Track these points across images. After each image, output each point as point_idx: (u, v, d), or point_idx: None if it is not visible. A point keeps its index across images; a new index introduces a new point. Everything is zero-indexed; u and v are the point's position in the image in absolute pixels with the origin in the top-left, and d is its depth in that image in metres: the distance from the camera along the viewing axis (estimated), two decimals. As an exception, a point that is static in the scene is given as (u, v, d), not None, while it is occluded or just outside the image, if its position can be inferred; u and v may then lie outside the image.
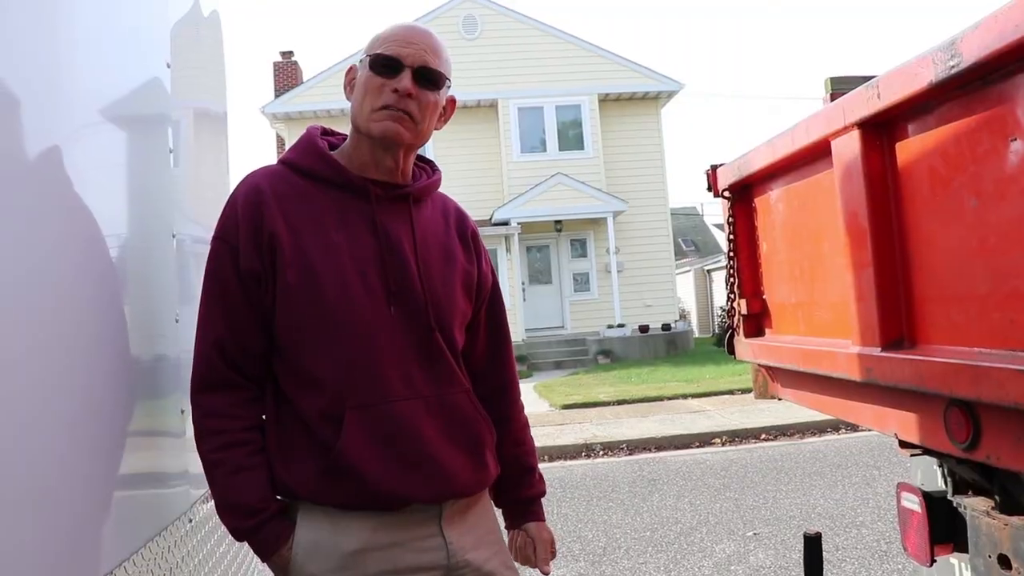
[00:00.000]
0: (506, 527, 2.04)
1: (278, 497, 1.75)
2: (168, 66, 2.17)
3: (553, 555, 2.05)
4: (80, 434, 1.50)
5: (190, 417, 2.08)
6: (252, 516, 1.69)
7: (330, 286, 1.70)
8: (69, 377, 1.46)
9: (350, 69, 1.86)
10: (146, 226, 1.99)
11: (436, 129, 1.87)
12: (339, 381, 1.70)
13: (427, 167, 1.97)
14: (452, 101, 1.90)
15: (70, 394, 1.46)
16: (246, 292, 1.72)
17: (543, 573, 2.01)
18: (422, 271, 1.79)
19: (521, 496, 2.03)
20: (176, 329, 2.11)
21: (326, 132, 1.93)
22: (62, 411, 1.42)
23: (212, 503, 2.27)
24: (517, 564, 1.97)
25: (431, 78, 1.77)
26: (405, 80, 1.73)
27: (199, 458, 1.75)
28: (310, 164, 1.80)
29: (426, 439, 1.74)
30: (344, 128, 1.90)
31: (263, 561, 1.75)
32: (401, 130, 1.74)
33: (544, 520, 2.04)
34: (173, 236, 2.13)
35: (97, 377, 1.59)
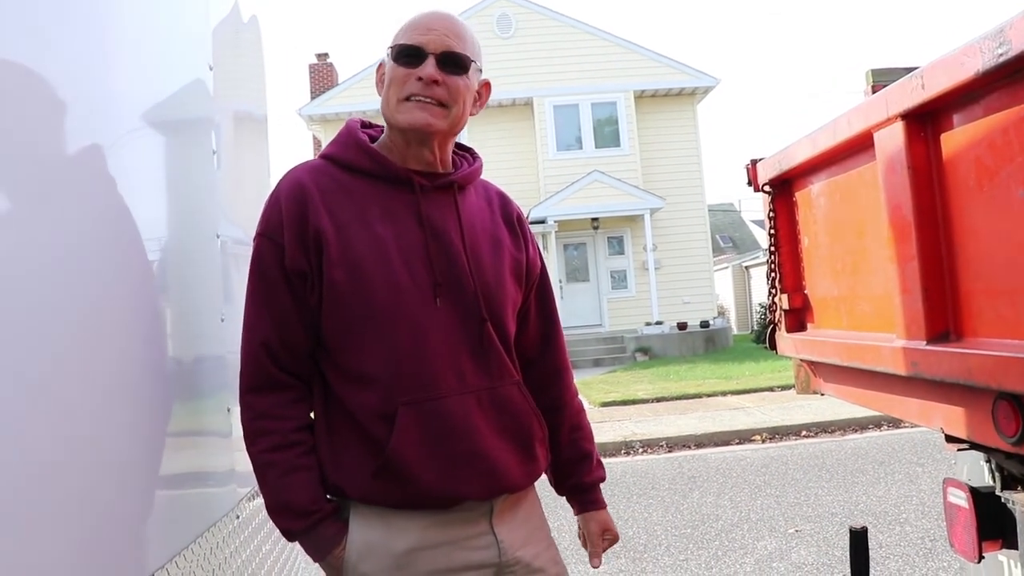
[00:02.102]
0: (574, 514, 2.03)
1: (329, 497, 1.74)
2: (210, 68, 2.20)
3: (611, 543, 2.02)
4: (128, 433, 1.52)
5: (236, 416, 2.12)
6: (305, 517, 1.68)
7: (378, 282, 1.67)
8: (116, 377, 1.49)
9: (380, 66, 1.81)
10: (191, 227, 2.02)
11: (472, 115, 1.84)
12: (390, 378, 1.67)
13: (467, 155, 1.94)
14: (487, 84, 1.87)
15: (117, 394, 1.48)
16: (293, 291, 1.70)
17: (591, 565, 2.00)
18: (471, 261, 1.76)
19: (581, 482, 1.99)
20: (221, 328, 2.14)
21: (365, 125, 1.90)
22: (110, 411, 1.44)
23: (259, 500, 2.30)
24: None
25: (456, 62, 1.73)
26: (429, 67, 1.69)
27: (248, 458, 1.75)
28: (352, 157, 1.77)
29: (478, 435, 1.72)
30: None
31: (316, 562, 1.74)
32: (429, 118, 1.71)
33: (604, 507, 2.01)
34: (217, 237, 2.16)
35: (143, 377, 1.62)
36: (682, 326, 21.14)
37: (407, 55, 1.71)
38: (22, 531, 1.13)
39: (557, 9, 22.89)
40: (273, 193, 1.76)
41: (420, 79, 1.69)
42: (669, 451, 9.34)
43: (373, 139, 1.84)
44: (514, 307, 1.87)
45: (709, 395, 12.94)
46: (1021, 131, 1.79)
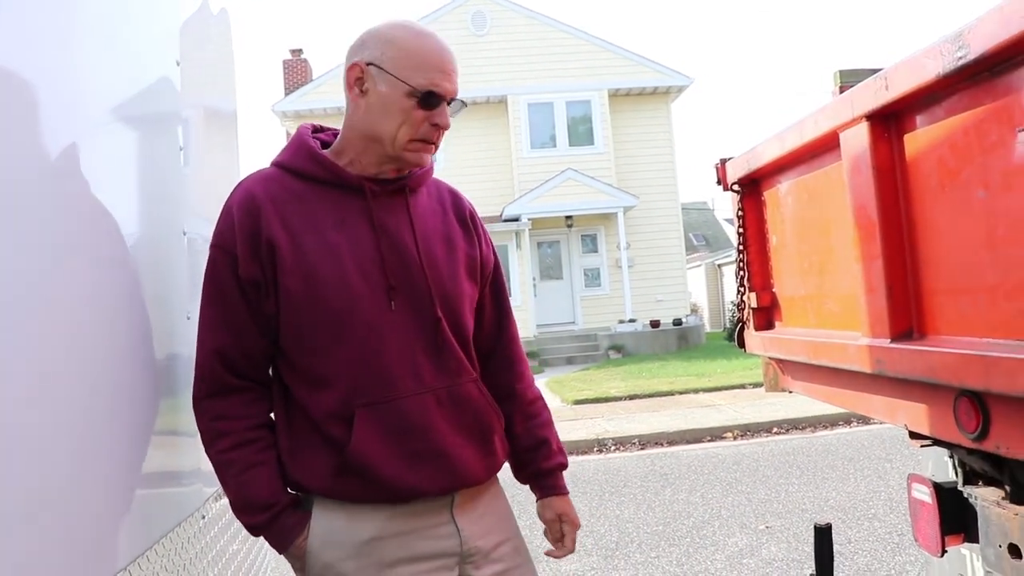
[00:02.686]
0: (536, 500, 2.03)
1: (290, 491, 1.77)
2: (178, 64, 2.18)
3: (572, 531, 2.01)
4: (93, 432, 1.51)
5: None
6: (266, 510, 1.71)
7: (332, 289, 1.70)
8: (81, 375, 1.47)
9: (356, 67, 1.78)
10: (157, 224, 2.00)
11: None
12: (347, 381, 1.71)
13: None
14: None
15: (82, 392, 1.47)
16: (247, 299, 1.73)
17: (553, 556, 2.03)
18: (425, 262, 1.78)
19: (539, 468, 2.00)
20: (188, 327, 2.12)
21: (316, 129, 1.93)
22: (75, 409, 1.43)
23: (224, 500, 2.29)
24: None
25: (454, 105, 1.78)
26: (445, 116, 1.75)
27: (212, 463, 1.77)
28: (303, 165, 1.79)
29: (436, 433, 1.75)
30: None
31: (280, 553, 1.76)
32: (427, 157, 1.80)
33: (565, 493, 2.01)
34: (184, 234, 2.14)
35: (109, 375, 1.60)
36: (655, 324, 21.22)
37: (431, 100, 1.72)
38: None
39: (532, 7, 22.91)
40: (226, 204, 1.78)
41: (436, 125, 1.74)
42: (642, 448, 9.37)
43: (325, 144, 1.87)
44: (471, 304, 1.90)
45: (681, 393, 13.01)
46: (981, 133, 1.81)
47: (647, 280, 22.34)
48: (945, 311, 2.03)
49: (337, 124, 1.92)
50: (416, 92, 1.71)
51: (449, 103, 1.76)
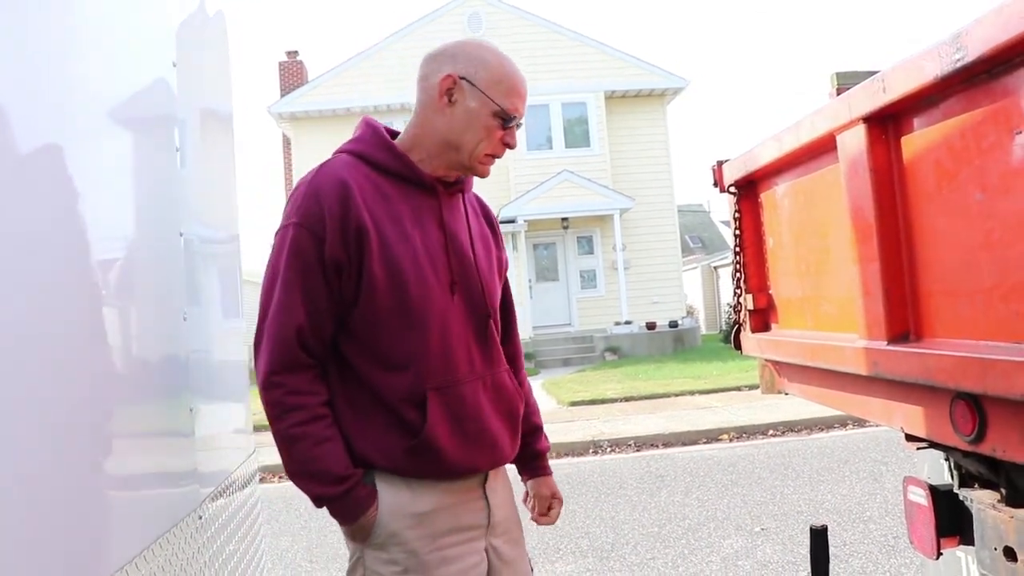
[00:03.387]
0: (522, 479, 2.25)
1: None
2: (174, 66, 2.18)
3: (559, 506, 2.25)
4: (90, 433, 1.51)
5: (199, 416, 2.10)
6: (341, 483, 1.80)
7: (411, 277, 1.83)
8: (77, 376, 1.47)
9: (447, 77, 1.87)
10: (153, 226, 2.00)
11: None
12: (419, 365, 1.84)
13: None
14: None
15: (79, 394, 1.47)
16: (327, 281, 1.81)
17: (538, 522, 2.25)
18: (477, 260, 1.97)
19: (533, 450, 2.20)
20: (184, 328, 2.12)
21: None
22: (71, 411, 1.43)
23: (221, 500, 2.29)
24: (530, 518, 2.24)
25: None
26: (515, 137, 1.94)
27: (274, 435, 1.81)
28: (384, 159, 1.91)
29: (485, 415, 1.93)
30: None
31: (348, 523, 1.84)
32: (489, 170, 1.98)
33: (551, 473, 2.25)
34: (181, 235, 2.14)
35: (105, 377, 1.60)
36: (651, 326, 21.22)
37: (510, 122, 1.90)
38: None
39: (528, 9, 22.92)
40: (309, 186, 1.84)
41: (507, 144, 1.93)
42: (637, 450, 9.38)
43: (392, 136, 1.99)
44: (499, 298, 2.09)
45: (677, 395, 13.01)
46: (978, 135, 1.81)
47: (643, 282, 22.34)
48: (942, 313, 2.03)
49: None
50: (502, 113, 1.88)
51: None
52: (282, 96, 23.43)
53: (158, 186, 2.06)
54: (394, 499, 1.84)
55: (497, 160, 1.99)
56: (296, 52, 26.16)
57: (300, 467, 1.81)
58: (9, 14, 1.32)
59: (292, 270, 1.80)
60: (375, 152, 1.91)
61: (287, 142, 24.94)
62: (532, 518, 2.24)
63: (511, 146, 1.94)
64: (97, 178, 1.63)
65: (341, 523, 1.86)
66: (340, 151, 1.95)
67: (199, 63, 2.56)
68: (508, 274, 2.20)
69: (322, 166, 1.89)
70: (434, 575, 1.84)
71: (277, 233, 1.85)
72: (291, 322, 1.80)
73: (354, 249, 1.79)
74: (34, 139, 1.38)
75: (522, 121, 1.94)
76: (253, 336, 1.89)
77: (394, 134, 2.00)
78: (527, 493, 2.25)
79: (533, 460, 2.22)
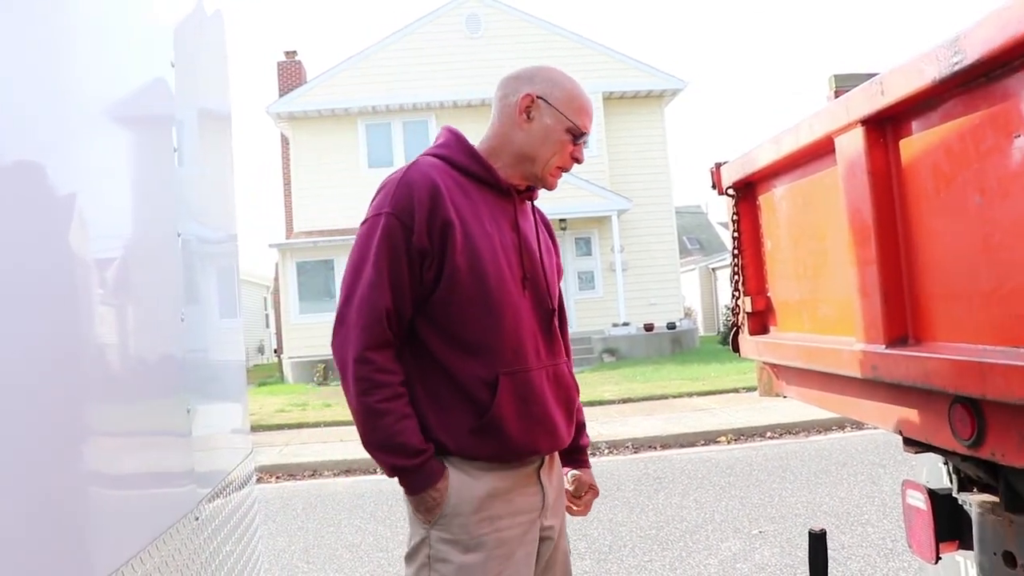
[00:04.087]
0: (568, 471, 2.37)
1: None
2: (172, 66, 2.18)
3: (594, 496, 2.40)
4: (86, 434, 1.50)
5: (196, 416, 2.09)
6: (417, 455, 1.94)
7: (490, 269, 1.99)
8: (74, 376, 1.47)
9: (529, 97, 2.09)
10: (151, 225, 2.00)
11: None
12: (493, 350, 1.99)
13: None
14: None
15: (75, 392, 1.46)
16: (411, 266, 1.97)
17: (576, 514, 2.37)
18: (544, 260, 2.16)
19: (577, 445, 2.34)
20: (182, 328, 2.11)
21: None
22: (68, 411, 1.43)
23: (218, 500, 2.28)
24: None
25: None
26: (583, 152, 2.14)
27: (357, 408, 1.93)
28: (468, 163, 2.09)
29: (547, 401, 2.07)
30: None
31: (419, 493, 1.95)
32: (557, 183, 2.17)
33: (590, 466, 2.42)
34: (178, 235, 2.13)
35: (102, 377, 1.60)
36: (649, 327, 21.21)
37: (578, 136, 2.11)
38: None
39: (526, 10, 22.91)
40: (402, 180, 2.00)
41: (575, 158, 2.13)
42: (635, 452, 9.37)
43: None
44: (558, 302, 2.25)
45: (675, 396, 13.01)
46: (977, 138, 1.81)
47: (641, 283, 22.34)
48: (940, 317, 2.03)
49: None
50: (574, 129, 2.10)
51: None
52: (280, 96, 23.42)
53: (156, 186, 2.05)
54: (459, 478, 1.98)
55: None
56: (295, 52, 26.15)
57: (382, 440, 1.94)
58: (6, 14, 1.31)
59: (382, 255, 1.96)
60: (460, 156, 2.09)
61: (285, 142, 24.93)
62: (567, 507, 2.33)
63: (579, 160, 2.14)
64: (95, 178, 1.62)
65: (411, 493, 1.97)
66: (426, 154, 2.12)
67: (197, 63, 2.55)
68: None
69: (412, 165, 2.05)
70: (492, 554, 1.96)
71: (365, 222, 2.01)
72: (380, 303, 1.95)
73: (438, 240, 1.95)
74: (31, 139, 1.38)
75: (589, 138, 2.15)
76: (335, 313, 2.03)
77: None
78: (565, 484, 2.36)
79: (576, 453, 2.36)
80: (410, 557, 2.01)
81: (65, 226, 1.49)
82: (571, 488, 2.34)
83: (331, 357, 2.09)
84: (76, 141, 1.56)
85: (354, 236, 2.07)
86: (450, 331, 2.00)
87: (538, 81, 2.12)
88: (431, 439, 1.98)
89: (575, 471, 2.36)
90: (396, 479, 1.98)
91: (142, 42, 2.02)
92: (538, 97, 2.10)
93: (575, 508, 2.36)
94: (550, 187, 2.17)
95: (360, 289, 1.97)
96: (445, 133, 2.18)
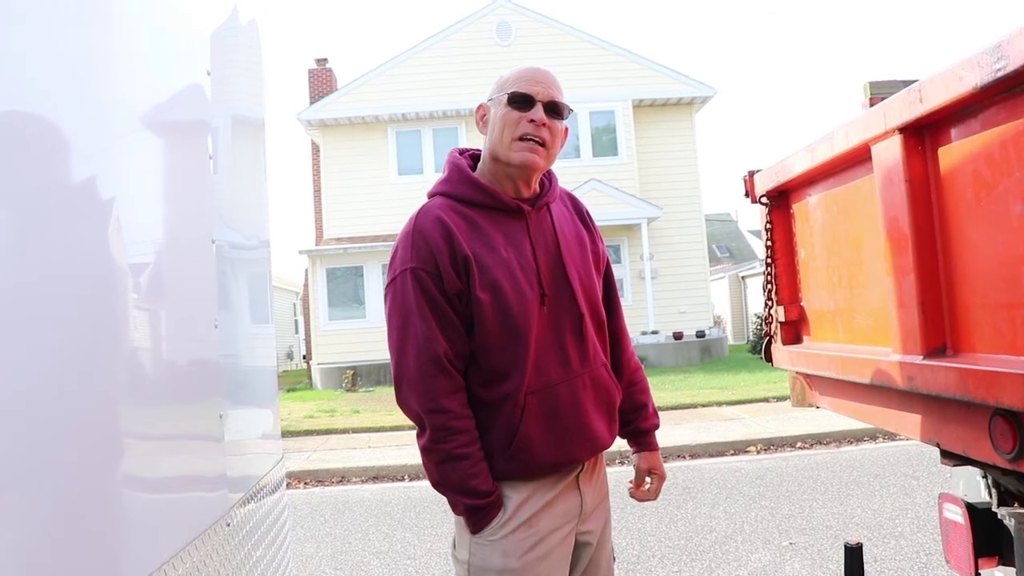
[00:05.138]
0: (632, 452, 2.42)
1: None
2: (208, 74, 2.19)
3: (659, 482, 2.40)
4: (121, 438, 1.51)
5: (228, 421, 2.10)
6: (486, 497, 2.00)
7: (511, 297, 2.00)
8: (109, 382, 1.47)
9: (479, 107, 2.17)
10: (186, 232, 2.01)
11: (557, 154, 2.16)
12: (520, 374, 2.00)
13: (544, 172, 2.22)
14: (566, 130, 2.18)
15: (110, 399, 1.47)
16: (454, 307, 2.00)
17: (635, 497, 2.39)
18: (569, 267, 2.11)
19: (638, 428, 2.37)
20: (216, 334, 2.12)
21: (460, 152, 2.22)
22: (103, 416, 1.43)
23: (250, 505, 2.29)
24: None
25: (558, 110, 2.09)
26: (539, 112, 2.05)
27: (433, 454, 1.99)
28: (469, 194, 2.08)
29: (581, 410, 2.07)
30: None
31: (475, 533, 2.03)
32: (537, 159, 2.06)
33: (656, 449, 2.41)
34: (213, 242, 2.15)
35: (137, 382, 1.61)
36: (678, 336, 21.11)
37: (520, 101, 2.06)
38: (13, 534, 1.12)
39: (557, 18, 22.92)
40: (415, 232, 2.03)
41: (532, 121, 2.04)
42: (664, 461, 9.30)
43: (470, 166, 2.17)
44: (599, 293, 2.24)
45: (704, 405, 12.92)
46: (1020, 146, 1.78)
47: (670, 292, 22.24)
48: (980, 327, 2.00)
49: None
50: (514, 96, 2.06)
51: (547, 108, 2.06)
52: (311, 103, 23.59)
53: (191, 193, 2.07)
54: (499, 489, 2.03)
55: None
56: (325, 60, 26.33)
57: (458, 482, 1.99)
58: (47, 23, 1.32)
59: (423, 305, 1.99)
60: (461, 189, 2.09)
61: (316, 149, 25.11)
62: (630, 492, 2.39)
63: (538, 121, 2.04)
64: (131, 184, 1.63)
65: (476, 529, 2.03)
66: (431, 193, 2.14)
67: (232, 71, 2.57)
68: None
69: (419, 212, 2.08)
70: (525, 559, 2.00)
71: (392, 283, 2.04)
72: (436, 350, 1.98)
73: (464, 277, 1.99)
74: (70, 146, 1.39)
75: (549, 100, 2.06)
76: (393, 374, 2.05)
77: (475, 157, 2.21)
78: (635, 461, 2.41)
79: (637, 436, 2.39)
80: (456, 559, 2.09)
81: (103, 232, 1.50)
82: (636, 476, 2.38)
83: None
84: (114, 149, 1.57)
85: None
86: (482, 362, 2.03)
87: (490, 92, 2.15)
88: None
89: (635, 454, 2.39)
90: (462, 515, 2.04)
91: (179, 51, 2.04)
92: (486, 102, 2.15)
93: (635, 492, 2.38)
94: (524, 164, 2.06)
95: (412, 342, 2.00)
96: (447, 164, 2.18)
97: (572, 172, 21.61)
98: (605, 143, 22.38)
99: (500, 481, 2.04)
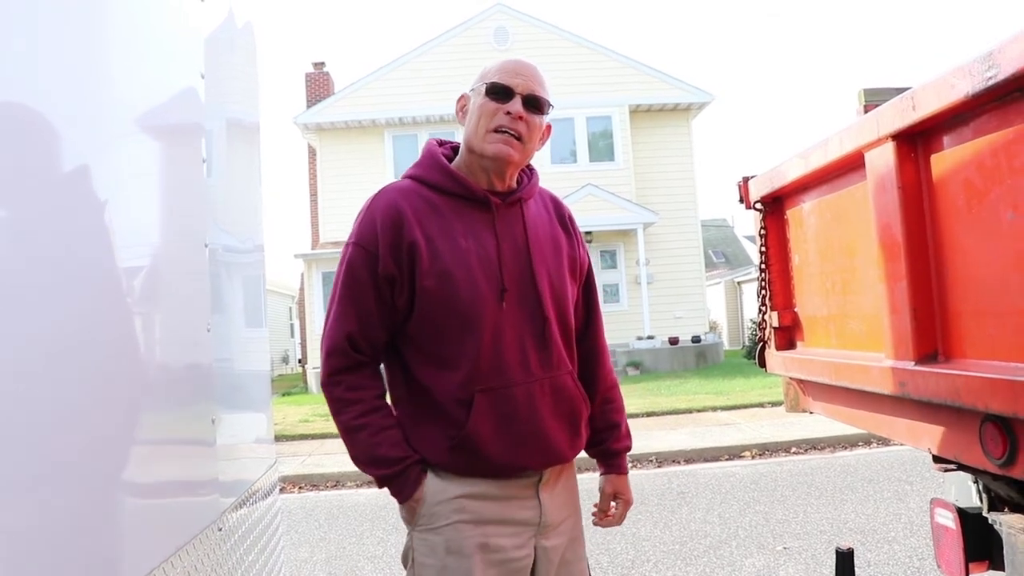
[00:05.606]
0: (600, 474, 2.32)
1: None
2: (202, 77, 2.19)
3: (624, 508, 2.29)
4: (111, 443, 1.51)
5: (221, 426, 2.11)
6: (398, 463, 1.96)
7: (463, 287, 1.94)
8: (100, 386, 1.47)
9: (461, 97, 2.13)
10: (179, 236, 2.01)
11: (537, 150, 2.11)
12: (469, 367, 1.95)
13: (525, 169, 2.18)
14: (549, 127, 2.13)
15: (101, 403, 1.47)
16: (379, 293, 1.97)
17: (598, 524, 2.29)
18: (536, 267, 2.04)
19: (608, 448, 2.28)
20: (208, 339, 2.12)
21: (440, 143, 2.18)
22: (93, 420, 1.43)
23: (243, 510, 2.29)
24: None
25: (538, 104, 2.04)
26: (517, 104, 2.00)
27: (339, 429, 2.00)
28: (438, 179, 2.05)
29: (538, 417, 2.00)
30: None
31: (401, 502, 2.00)
32: (512, 152, 2.01)
33: (624, 472, 2.30)
34: (206, 246, 2.15)
35: (129, 386, 1.60)
36: (674, 341, 21.12)
37: (499, 92, 2.01)
38: (4, 539, 1.11)
39: (554, 23, 22.95)
40: (368, 209, 2.02)
41: (508, 113, 2.00)
42: (659, 466, 9.32)
43: (448, 157, 2.13)
44: (573, 302, 2.16)
45: (699, 410, 12.92)
46: (1010, 153, 1.79)
47: (666, 297, 22.25)
48: (972, 334, 2.00)
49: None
50: (493, 87, 2.01)
51: (526, 101, 2.01)
52: (308, 107, 23.59)
53: (184, 197, 2.07)
54: (439, 484, 1.98)
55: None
56: (323, 63, 26.33)
57: (363, 453, 1.98)
58: (39, 24, 1.32)
59: (345, 284, 2.00)
60: (430, 174, 2.06)
61: (312, 152, 25.10)
62: (593, 519, 2.30)
63: (514, 114, 1.99)
64: (124, 188, 1.63)
65: (398, 501, 2.00)
66: (404, 176, 2.11)
67: (227, 74, 2.57)
68: None
69: (381, 190, 2.06)
70: (472, 560, 1.94)
71: (342, 253, 2.03)
72: (344, 329, 1.98)
73: (407, 264, 1.94)
74: (62, 149, 1.39)
75: (529, 94, 2.01)
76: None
77: (456, 149, 2.17)
78: (600, 483, 2.32)
79: (607, 457, 2.29)
80: (403, 558, 2.05)
81: (94, 236, 1.50)
82: (600, 500, 2.28)
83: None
84: (106, 151, 1.57)
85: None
86: (427, 350, 2.00)
87: (473, 81, 2.10)
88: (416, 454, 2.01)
89: (602, 476, 2.30)
90: (387, 490, 1.99)
91: (173, 53, 2.04)
92: (468, 92, 2.11)
93: (598, 518, 2.30)
94: (498, 156, 2.00)
95: (329, 318, 2.03)
96: (424, 149, 2.15)
97: (569, 177, 21.63)
98: (602, 148, 22.39)
99: (447, 474, 1.98)
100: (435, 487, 1.98)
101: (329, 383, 2.01)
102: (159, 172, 1.91)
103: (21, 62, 1.27)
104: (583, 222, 20.95)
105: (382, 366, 2.09)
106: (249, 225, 2.78)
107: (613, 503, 2.29)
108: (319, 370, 2.04)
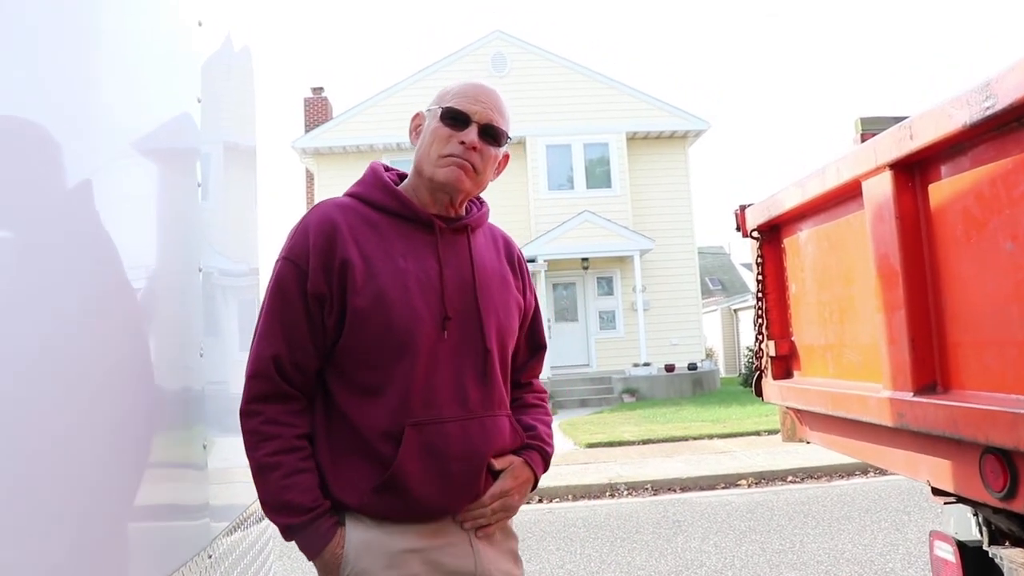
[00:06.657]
0: None
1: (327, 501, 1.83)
2: (199, 101, 2.19)
3: (503, 515, 1.95)
4: (101, 468, 1.49)
5: (212, 451, 2.08)
6: (305, 513, 1.78)
7: (398, 309, 1.81)
8: (93, 410, 1.46)
9: (416, 116, 2.03)
10: (173, 260, 1.99)
11: (491, 180, 2.02)
12: (400, 397, 1.80)
13: (476, 201, 2.09)
14: (506, 156, 2.04)
15: (94, 427, 1.45)
16: (308, 312, 1.83)
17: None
18: (481, 297, 1.92)
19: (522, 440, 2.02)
20: (201, 363, 2.10)
21: (386, 168, 2.06)
22: (84, 444, 1.41)
23: (234, 536, 2.26)
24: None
25: (495, 135, 1.93)
26: (472, 134, 1.89)
27: (249, 461, 1.82)
28: (379, 197, 1.94)
29: (473, 457, 1.85)
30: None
31: (312, 557, 1.81)
32: (463, 177, 1.90)
33: (533, 472, 1.99)
34: (200, 270, 2.13)
35: (121, 410, 1.59)
36: (670, 368, 21.09)
37: (455, 119, 1.90)
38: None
39: (552, 50, 23.11)
40: (301, 223, 1.90)
41: (463, 143, 1.89)
42: (654, 494, 9.26)
43: (394, 182, 2.01)
44: (514, 339, 2.04)
45: (695, 438, 12.87)
46: (1008, 183, 1.79)
47: (662, 324, 22.25)
48: (971, 365, 1.99)
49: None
50: (449, 112, 1.91)
51: (483, 130, 1.90)
52: (306, 131, 23.67)
53: (178, 221, 2.06)
54: (363, 536, 1.81)
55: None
56: (321, 88, 26.46)
57: (272, 497, 1.80)
58: (36, 47, 1.32)
59: (275, 301, 1.86)
60: (371, 192, 1.95)
61: (310, 177, 25.14)
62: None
63: (468, 144, 1.88)
64: (118, 211, 1.62)
65: (307, 556, 1.82)
66: (344, 194, 1.99)
67: (224, 99, 2.57)
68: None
69: (316, 205, 1.94)
70: None
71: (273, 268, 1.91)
72: (269, 351, 1.83)
73: (337, 283, 1.82)
74: (58, 171, 1.38)
75: (486, 123, 1.91)
76: None
77: (403, 176, 2.06)
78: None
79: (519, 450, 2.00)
80: None
81: (88, 259, 1.49)
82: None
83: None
84: (101, 175, 1.56)
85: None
86: (355, 380, 1.84)
87: (431, 100, 2.00)
88: (334, 499, 1.82)
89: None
90: (291, 540, 1.81)
91: (169, 78, 2.04)
92: (424, 112, 2.00)
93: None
94: (448, 182, 1.90)
95: (255, 341, 1.87)
96: (367, 169, 2.03)
97: (565, 204, 21.71)
98: (599, 175, 22.47)
99: (371, 521, 1.81)
100: (359, 540, 1.80)
101: (246, 412, 1.84)
102: (153, 196, 1.90)
103: (17, 86, 1.26)
104: (580, 248, 21.03)
105: None
106: (244, 248, 2.77)
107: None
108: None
